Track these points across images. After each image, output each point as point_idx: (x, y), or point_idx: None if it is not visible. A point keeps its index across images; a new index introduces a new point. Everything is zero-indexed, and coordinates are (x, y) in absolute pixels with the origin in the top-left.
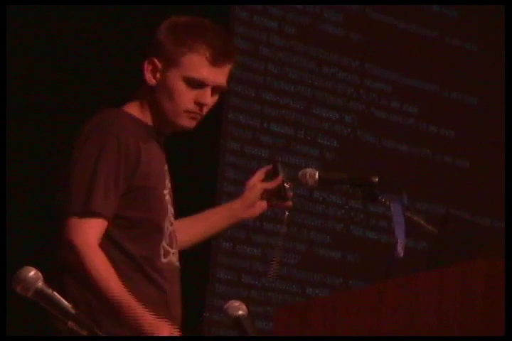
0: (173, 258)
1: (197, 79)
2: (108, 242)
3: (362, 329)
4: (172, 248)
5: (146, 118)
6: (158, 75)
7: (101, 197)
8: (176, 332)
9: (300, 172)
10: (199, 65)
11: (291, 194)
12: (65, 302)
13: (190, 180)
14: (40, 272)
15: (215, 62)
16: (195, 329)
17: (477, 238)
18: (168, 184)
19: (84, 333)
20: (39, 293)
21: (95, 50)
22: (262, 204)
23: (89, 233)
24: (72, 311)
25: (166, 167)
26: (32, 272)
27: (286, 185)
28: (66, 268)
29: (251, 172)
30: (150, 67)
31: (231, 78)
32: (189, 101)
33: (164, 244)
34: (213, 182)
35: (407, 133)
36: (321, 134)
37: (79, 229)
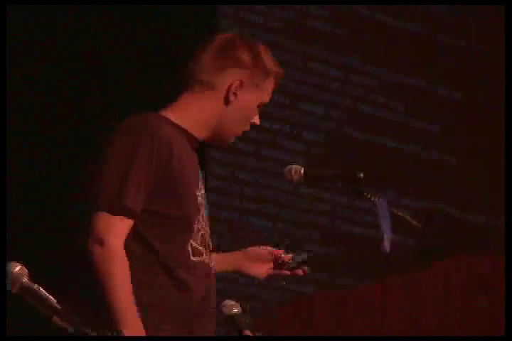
0: (207, 259)
1: (265, 104)
2: (133, 236)
3: (363, 329)
4: (205, 248)
5: (184, 124)
6: (238, 93)
7: (133, 193)
8: None
9: (286, 168)
10: (271, 91)
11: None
12: (51, 298)
13: None
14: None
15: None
16: None
17: (462, 234)
18: (201, 187)
19: (70, 328)
20: (24, 288)
21: (95, 50)
22: (263, 266)
23: (119, 230)
24: (58, 306)
25: (199, 171)
26: (17, 268)
27: (285, 259)
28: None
29: (237, 168)
30: (237, 86)
31: None
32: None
33: (193, 242)
34: None
35: (393, 128)
36: (307, 129)
37: (111, 225)
